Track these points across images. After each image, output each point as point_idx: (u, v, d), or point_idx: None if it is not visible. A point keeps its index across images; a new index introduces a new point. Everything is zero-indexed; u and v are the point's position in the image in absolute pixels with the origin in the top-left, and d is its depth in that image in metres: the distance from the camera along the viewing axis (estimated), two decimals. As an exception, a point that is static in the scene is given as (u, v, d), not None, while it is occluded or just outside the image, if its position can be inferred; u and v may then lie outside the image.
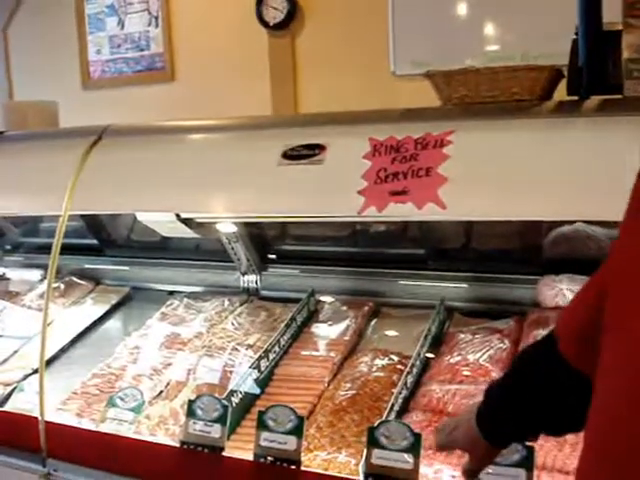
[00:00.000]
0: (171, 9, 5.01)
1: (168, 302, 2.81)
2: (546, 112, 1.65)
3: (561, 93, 1.81)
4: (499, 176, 1.56)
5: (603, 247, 2.34)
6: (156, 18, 5.00)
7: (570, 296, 2.22)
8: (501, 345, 2.14)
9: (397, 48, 4.49)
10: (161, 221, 2.24)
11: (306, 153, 1.70)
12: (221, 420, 1.78)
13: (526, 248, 2.42)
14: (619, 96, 1.66)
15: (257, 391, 2.12)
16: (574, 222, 2.29)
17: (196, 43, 4.94)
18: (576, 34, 1.73)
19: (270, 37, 4.73)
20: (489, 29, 4.40)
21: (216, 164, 1.85)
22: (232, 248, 2.70)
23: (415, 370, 2.07)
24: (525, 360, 1.27)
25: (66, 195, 2.01)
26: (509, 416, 1.23)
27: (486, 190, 1.54)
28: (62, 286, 3.01)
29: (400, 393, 1.94)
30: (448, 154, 1.56)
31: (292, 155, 1.71)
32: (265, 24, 4.67)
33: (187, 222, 2.24)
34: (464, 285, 2.44)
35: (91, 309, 2.89)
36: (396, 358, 2.18)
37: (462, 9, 4.41)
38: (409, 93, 4.25)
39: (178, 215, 2.20)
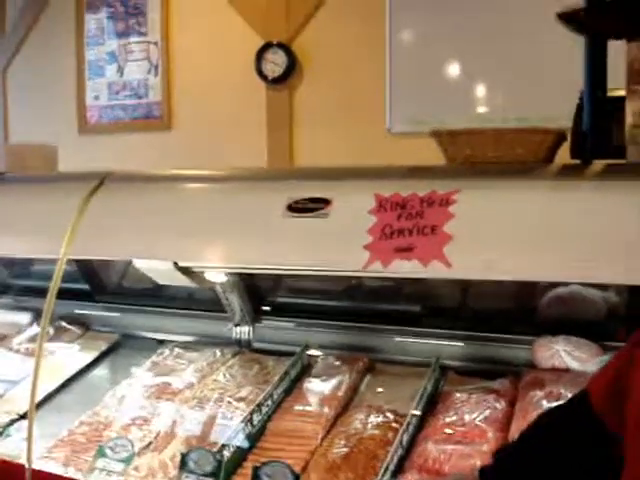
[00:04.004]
0: (171, 59, 5.08)
1: (159, 351, 2.77)
2: (551, 175, 1.67)
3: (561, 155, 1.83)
4: (504, 236, 1.56)
5: (599, 309, 2.35)
6: (156, 67, 5.07)
7: (566, 357, 2.22)
8: (497, 405, 2.12)
9: (393, 105, 4.56)
10: (159, 269, 2.22)
11: (311, 206, 1.70)
12: (215, 474, 1.75)
13: (522, 308, 2.42)
14: (622, 161, 1.69)
15: (249, 445, 2.08)
16: (570, 283, 2.30)
17: (194, 93, 4.99)
18: (580, 99, 1.76)
19: (268, 90, 4.79)
20: (484, 90, 4.49)
21: (219, 214, 1.85)
22: (226, 298, 2.68)
23: (411, 428, 2.04)
24: (549, 424, 1.25)
25: (65, 239, 1.99)
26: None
27: (491, 250, 1.54)
28: (51, 330, 2.97)
29: (396, 452, 1.91)
30: (453, 213, 1.57)
31: (297, 208, 1.71)
32: (264, 78, 4.74)
33: (185, 271, 2.23)
34: (459, 344, 2.43)
35: (80, 355, 2.85)
36: (391, 416, 2.15)
37: (459, 70, 4.50)
38: (404, 150, 4.31)
39: (176, 263, 2.19)
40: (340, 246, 1.65)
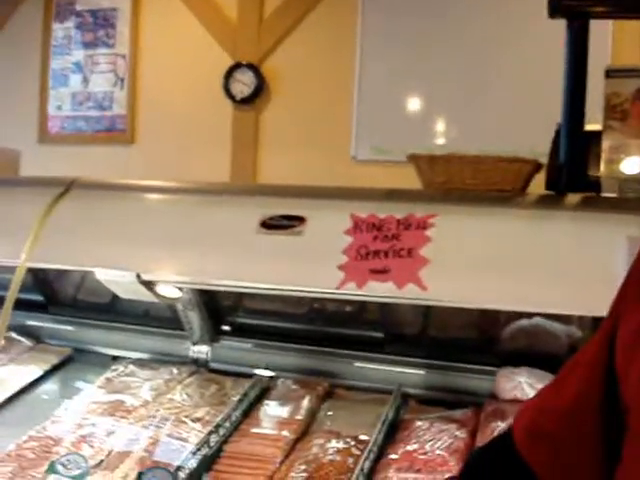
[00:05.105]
0: (138, 72, 5.02)
1: (113, 367, 2.69)
2: (528, 204, 1.67)
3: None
4: (480, 263, 1.56)
5: (561, 344, 2.36)
6: (122, 80, 5.00)
7: (528, 389, 2.21)
8: (459, 434, 2.10)
9: (359, 133, 4.57)
10: (121, 282, 2.16)
11: (286, 224, 1.68)
12: (171, 495, 1.69)
13: (485, 338, 2.42)
14: (596, 194, 1.71)
15: (206, 467, 2.02)
16: (534, 315, 2.30)
17: (160, 108, 4.94)
18: (557, 132, 1.78)
19: (235, 110, 4.77)
20: (447, 124, 4.53)
21: (191, 227, 1.81)
22: (186, 316, 2.63)
23: (372, 455, 2.01)
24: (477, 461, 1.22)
25: (27, 245, 1.93)
26: None
27: (467, 276, 1.54)
28: (1, 341, 2.86)
29: (357, 479, 1.87)
30: (430, 236, 1.56)
31: (271, 224, 1.69)
32: (231, 97, 4.72)
33: (148, 285, 2.17)
34: (421, 372, 2.42)
35: (30, 368, 2.75)
36: (352, 442, 2.12)
37: (424, 103, 4.55)
38: (367, 178, 4.31)
39: (139, 277, 2.13)
40: (314, 265, 1.63)
